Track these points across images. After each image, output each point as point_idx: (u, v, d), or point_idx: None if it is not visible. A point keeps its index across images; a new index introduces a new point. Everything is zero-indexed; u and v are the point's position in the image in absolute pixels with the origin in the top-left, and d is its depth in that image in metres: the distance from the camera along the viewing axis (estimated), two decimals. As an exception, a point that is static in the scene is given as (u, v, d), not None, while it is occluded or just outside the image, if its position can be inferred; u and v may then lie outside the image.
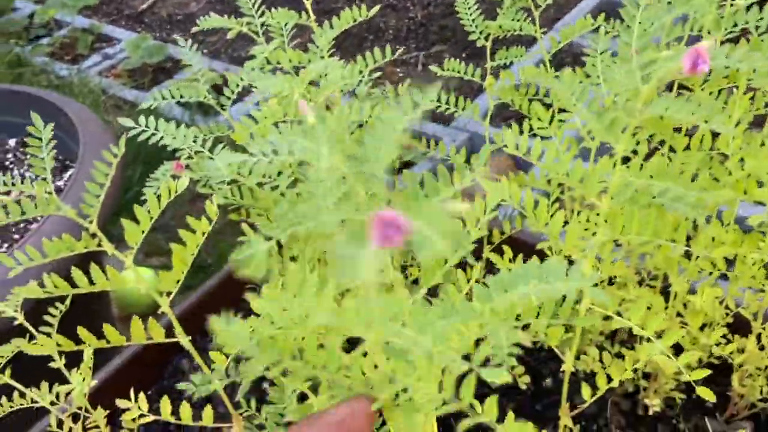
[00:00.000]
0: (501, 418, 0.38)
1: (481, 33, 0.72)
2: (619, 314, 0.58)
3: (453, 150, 0.91)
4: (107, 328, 0.49)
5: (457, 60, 0.80)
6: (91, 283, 0.46)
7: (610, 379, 0.60)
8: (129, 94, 2.01)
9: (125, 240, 0.51)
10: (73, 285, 0.46)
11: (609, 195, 0.49)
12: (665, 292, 0.78)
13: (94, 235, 0.45)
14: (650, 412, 0.80)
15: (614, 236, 0.48)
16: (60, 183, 1.23)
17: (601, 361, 0.82)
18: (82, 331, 0.49)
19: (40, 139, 0.44)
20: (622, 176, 0.47)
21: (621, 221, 0.49)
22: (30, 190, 0.41)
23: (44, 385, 0.76)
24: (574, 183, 0.48)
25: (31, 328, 0.70)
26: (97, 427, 0.77)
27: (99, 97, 1.99)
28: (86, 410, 0.77)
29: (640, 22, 0.45)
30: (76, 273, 0.46)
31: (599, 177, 0.48)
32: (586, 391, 0.61)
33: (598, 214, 0.53)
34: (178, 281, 0.50)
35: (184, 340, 0.54)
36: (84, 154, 1.01)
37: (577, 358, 0.80)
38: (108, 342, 0.49)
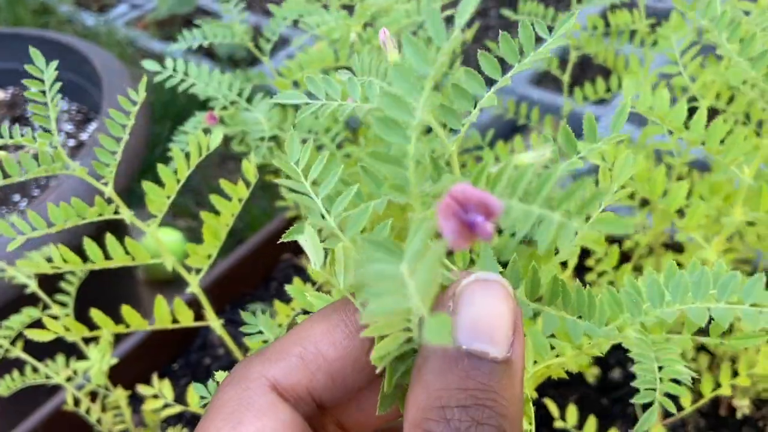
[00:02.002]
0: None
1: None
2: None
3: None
4: (126, 310, 0.40)
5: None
6: (107, 258, 0.37)
7: (717, 385, 0.50)
8: (157, 46, 1.92)
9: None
10: (86, 259, 0.37)
11: (754, 165, 0.39)
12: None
13: (110, 200, 0.36)
14: (738, 415, 0.70)
15: (758, 215, 0.38)
16: (84, 136, 1.16)
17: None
18: (96, 314, 0.41)
19: (43, 81, 0.35)
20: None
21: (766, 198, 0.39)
22: (32, 144, 0.33)
23: (60, 358, 0.69)
24: (711, 147, 0.37)
25: (44, 297, 0.63)
26: (117, 407, 0.70)
27: (126, 48, 1.90)
28: (106, 387, 0.70)
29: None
30: (90, 245, 0.37)
31: (742, 144, 0.38)
32: (685, 398, 0.52)
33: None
34: (209, 256, 0.41)
35: (215, 323, 0.46)
36: (107, 105, 0.92)
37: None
38: (127, 326, 0.41)
